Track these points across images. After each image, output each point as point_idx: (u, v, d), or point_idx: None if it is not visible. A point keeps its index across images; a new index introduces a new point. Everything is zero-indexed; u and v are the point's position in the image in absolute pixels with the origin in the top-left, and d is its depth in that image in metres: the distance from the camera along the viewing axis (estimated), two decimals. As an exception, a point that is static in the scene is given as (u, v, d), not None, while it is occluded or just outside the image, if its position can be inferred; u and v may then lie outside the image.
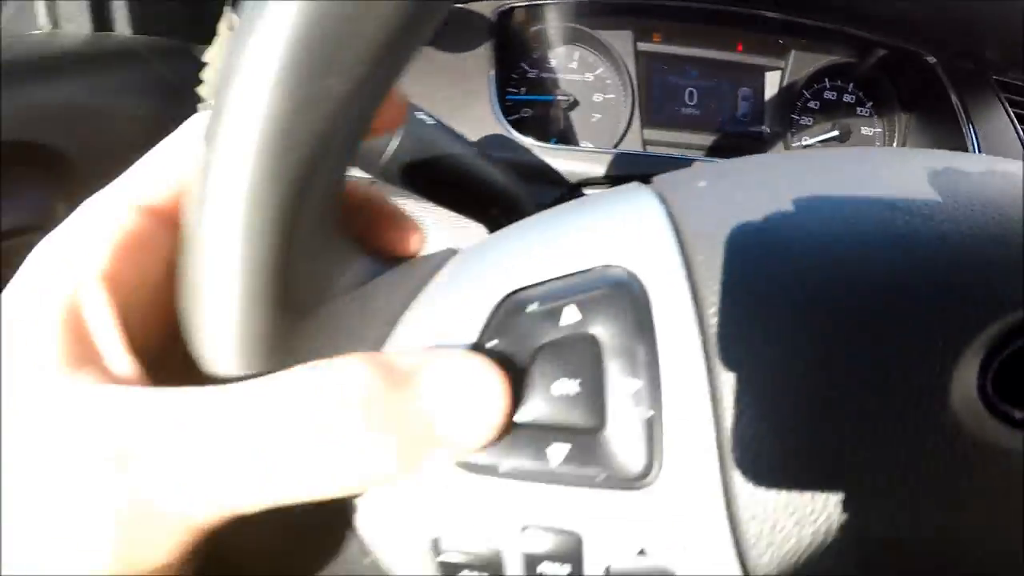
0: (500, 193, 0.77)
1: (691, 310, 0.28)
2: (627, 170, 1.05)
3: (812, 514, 0.26)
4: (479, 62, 1.14)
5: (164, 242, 0.29)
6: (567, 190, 1.06)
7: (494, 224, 0.81)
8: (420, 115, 0.68)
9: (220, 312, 0.26)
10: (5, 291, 0.27)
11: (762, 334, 0.27)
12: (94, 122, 0.73)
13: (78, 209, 0.29)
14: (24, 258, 0.27)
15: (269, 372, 0.26)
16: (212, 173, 0.25)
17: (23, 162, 0.58)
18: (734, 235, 0.30)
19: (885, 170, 0.34)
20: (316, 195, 0.27)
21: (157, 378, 0.28)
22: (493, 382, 0.26)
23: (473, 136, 1.05)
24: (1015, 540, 0.25)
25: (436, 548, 0.29)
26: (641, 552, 0.28)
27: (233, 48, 0.24)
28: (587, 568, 0.28)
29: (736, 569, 0.27)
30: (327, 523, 0.30)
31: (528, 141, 1.07)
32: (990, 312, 0.26)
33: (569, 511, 0.28)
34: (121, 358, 0.27)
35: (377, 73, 0.26)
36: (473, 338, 0.29)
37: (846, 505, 0.26)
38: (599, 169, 1.07)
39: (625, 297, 0.28)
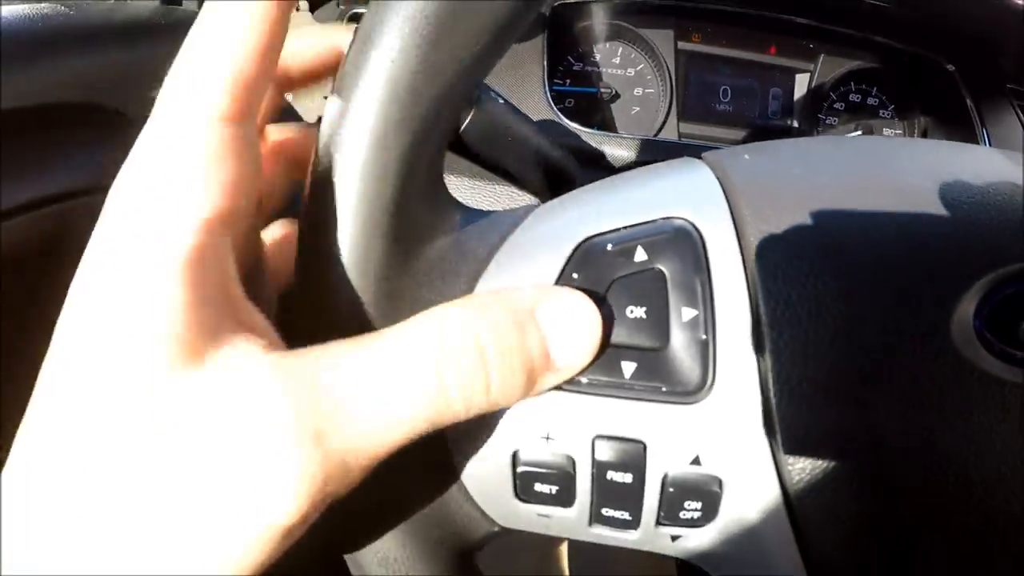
0: (558, 169, 0.86)
1: (738, 252, 0.33)
2: (666, 156, 1.14)
3: (838, 428, 0.30)
4: (533, 53, 1.23)
5: (253, 155, 0.28)
6: (611, 174, 1.15)
7: (551, 198, 0.90)
8: (491, 94, 0.77)
9: (347, 241, 0.29)
10: (95, 251, 0.24)
11: (795, 273, 0.31)
12: (155, 86, 0.81)
13: (148, 129, 0.25)
14: (86, 221, 0.25)
15: (383, 300, 0.30)
16: (349, 119, 0.28)
17: (81, 124, 0.58)
18: (771, 192, 0.35)
19: (903, 151, 0.41)
20: (431, 148, 0.31)
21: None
22: (592, 313, 0.30)
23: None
24: (1013, 456, 0.29)
25: (515, 461, 0.33)
26: (695, 461, 0.32)
27: (373, 20, 0.28)
28: (648, 475, 0.32)
29: (774, 478, 0.31)
30: (429, 463, 0.34)
31: (575, 126, 1.16)
32: (984, 263, 0.30)
33: (636, 422, 0.32)
34: (253, 315, 0.27)
35: (487, 50, 0.30)
36: (555, 274, 0.33)
37: (866, 420, 0.30)
38: (641, 155, 1.16)
39: (686, 240, 0.33)
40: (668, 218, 0.35)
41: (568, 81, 1.41)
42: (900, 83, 1.47)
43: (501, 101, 0.78)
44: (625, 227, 0.35)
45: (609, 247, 0.34)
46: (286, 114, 0.44)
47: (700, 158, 0.42)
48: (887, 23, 1.38)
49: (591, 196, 0.39)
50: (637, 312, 0.32)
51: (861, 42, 1.42)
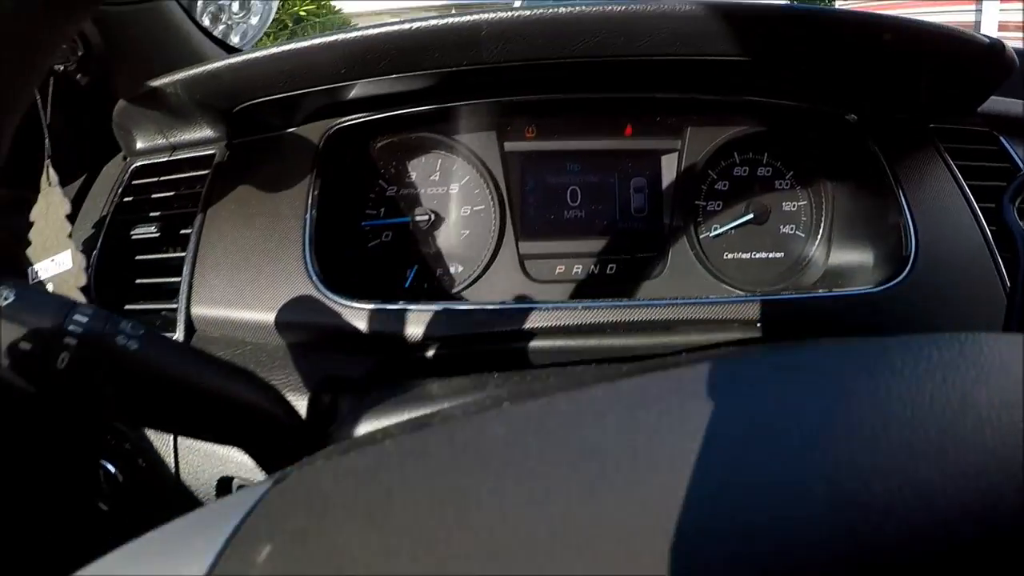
0: (249, 414, 0.63)
1: None
2: (459, 328, 0.89)
3: None
4: (294, 202, 0.98)
5: None
6: (385, 358, 0.90)
7: (258, 452, 0.67)
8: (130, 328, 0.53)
9: None
10: None
11: None
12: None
13: None
14: None
15: None
16: None
17: None
18: None
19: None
20: None
21: None
22: None
23: (282, 296, 0.91)
24: None
25: None
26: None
27: None
28: None
29: None
30: None
31: (339, 301, 0.91)
32: None
33: None
34: None
35: None
36: None
37: None
38: (432, 329, 0.90)
39: None
40: None
41: (383, 211, 1.16)
42: (793, 145, 1.18)
43: (141, 331, 0.54)
44: None
45: None
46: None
47: None
48: (766, 80, 1.09)
49: None
50: None
51: (735, 106, 1.13)
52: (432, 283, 1.16)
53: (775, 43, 0.94)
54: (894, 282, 0.95)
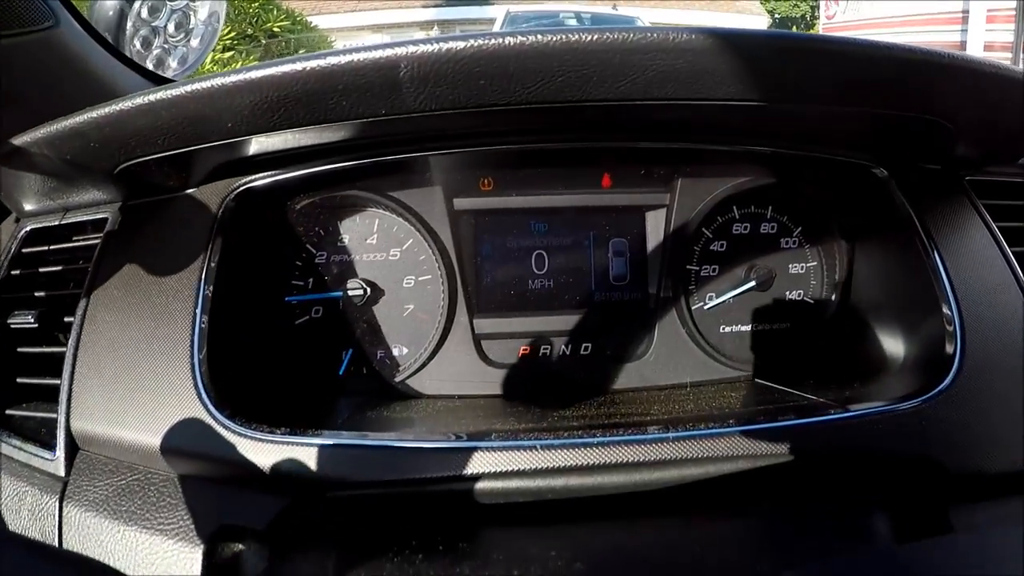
0: None
1: None
2: (384, 470, 0.70)
3: None
4: (185, 284, 0.79)
5: None
6: (296, 500, 0.71)
7: None
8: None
9: None
10: None
11: None
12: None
13: None
14: None
15: None
16: None
17: None
18: None
19: None
20: None
21: None
22: None
23: (167, 416, 0.73)
24: None
25: None
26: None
27: None
28: None
29: None
30: None
31: (233, 428, 0.71)
32: None
33: None
34: None
35: None
36: None
37: None
38: (350, 470, 0.70)
39: None
40: None
41: (311, 282, 0.96)
42: (804, 200, 0.98)
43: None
44: None
45: None
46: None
47: None
48: (778, 127, 0.88)
49: None
50: None
51: (738, 156, 0.93)
52: (371, 369, 0.96)
53: (798, 84, 0.72)
54: (937, 391, 0.75)
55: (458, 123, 0.79)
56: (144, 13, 1.16)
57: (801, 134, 0.89)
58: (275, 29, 4.71)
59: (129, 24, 1.19)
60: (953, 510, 0.74)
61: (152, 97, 0.70)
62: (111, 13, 1.11)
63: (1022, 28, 4.61)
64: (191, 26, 1.26)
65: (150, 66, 1.20)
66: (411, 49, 0.64)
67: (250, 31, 4.44)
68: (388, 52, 0.64)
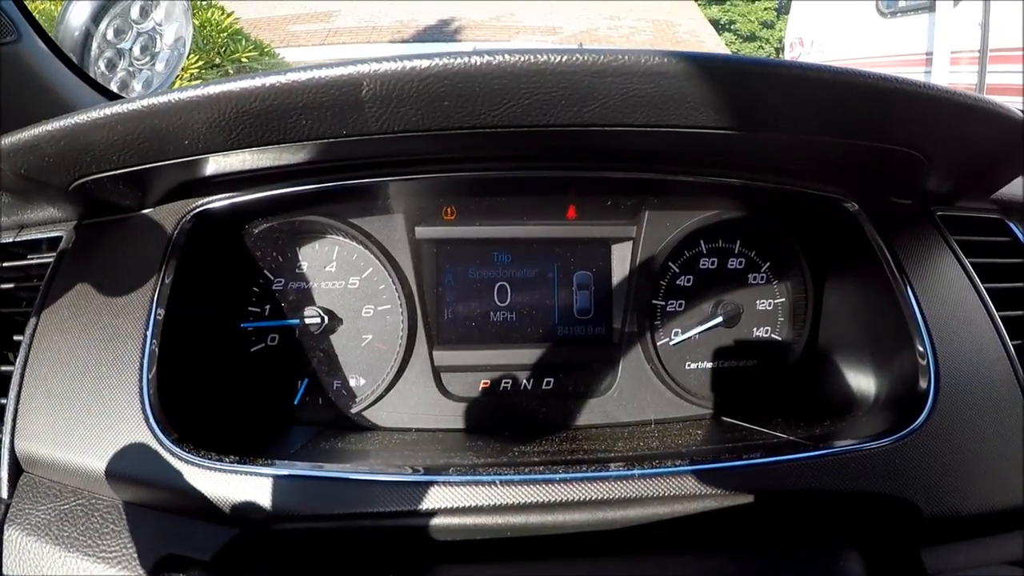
0: None
1: None
2: (335, 503, 0.66)
3: None
4: (136, 307, 0.76)
5: None
6: (244, 531, 0.67)
7: None
8: None
9: None
10: None
11: None
12: None
13: None
14: None
15: None
16: None
17: None
18: None
19: None
20: None
21: None
22: None
23: (114, 440, 0.70)
24: None
25: None
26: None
27: None
28: None
29: None
30: None
31: (180, 455, 0.68)
32: None
33: None
34: None
35: None
36: None
37: None
38: (300, 502, 0.67)
39: None
40: None
41: (267, 309, 0.93)
42: (773, 235, 0.97)
43: None
44: None
45: None
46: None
47: None
48: (750, 159, 0.87)
49: None
50: None
51: (707, 188, 0.92)
52: (327, 399, 0.93)
53: (772, 111, 0.70)
54: (910, 428, 0.73)
55: (421, 147, 0.77)
56: (110, 35, 1.15)
57: (772, 166, 0.88)
58: (243, 59, 4.71)
59: (95, 45, 1.18)
60: (927, 552, 0.72)
61: (108, 111, 0.68)
62: (76, 34, 1.10)
63: (985, 70, 4.74)
64: (157, 50, 1.25)
65: (114, 88, 1.19)
66: (374, 67, 0.62)
67: (218, 60, 4.44)
68: (350, 70, 0.63)
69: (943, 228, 0.89)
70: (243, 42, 4.85)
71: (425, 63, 0.62)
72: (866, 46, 5.55)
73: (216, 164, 0.77)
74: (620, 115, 0.67)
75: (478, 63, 0.62)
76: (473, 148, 0.80)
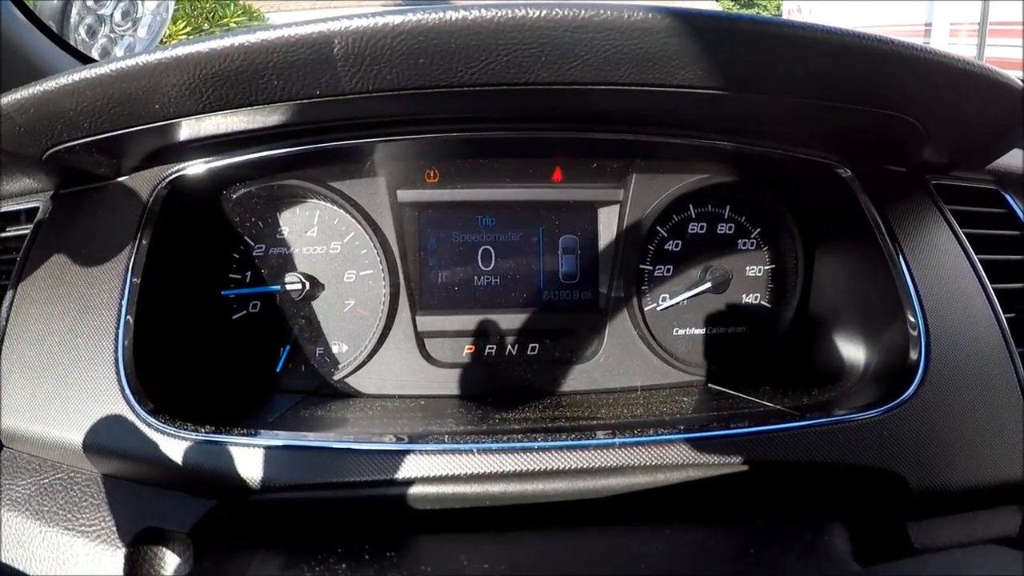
0: None
1: None
2: (313, 472, 0.65)
3: None
4: (111, 276, 0.74)
5: None
6: (222, 502, 0.66)
7: None
8: None
9: None
10: None
11: None
12: None
13: None
14: None
15: None
16: None
17: None
18: None
19: None
20: None
21: None
22: None
23: (91, 413, 0.69)
24: None
25: None
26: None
27: None
28: None
29: None
30: None
31: (156, 426, 0.68)
32: None
33: None
34: None
35: None
36: None
37: None
38: (277, 472, 0.66)
39: None
40: None
41: (248, 275, 0.92)
42: (764, 200, 0.95)
43: None
44: None
45: None
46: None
47: None
48: (742, 120, 0.85)
49: None
50: None
51: (694, 149, 0.89)
52: (309, 366, 0.92)
53: (762, 71, 0.67)
54: (899, 400, 0.72)
55: (400, 107, 0.75)
56: (90, 1, 1.12)
57: (763, 130, 0.85)
58: (232, 24, 4.59)
59: (74, 12, 1.15)
60: (913, 526, 0.71)
61: (75, 77, 0.66)
62: (56, 0, 1.07)
63: (985, 43, 4.64)
64: (139, 15, 1.22)
65: (95, 56, 1.16)
66: (345, 24, 0.60)
67: (206, 26, 4.35)
68: (320, 27, 0.60)
69: (938, 197, 0.86)
70: (231, 7, 4.74)
71: (398, 19, 0.60)
72: (864, 15, 5.42)
73: (189, 128, 0.75)
74: (604, 73, 0.65)
75: (453, 18, 0.60)
76: (454, 108, 0.78)
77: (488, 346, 0.94)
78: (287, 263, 0.92)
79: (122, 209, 0.79)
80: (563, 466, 0.66)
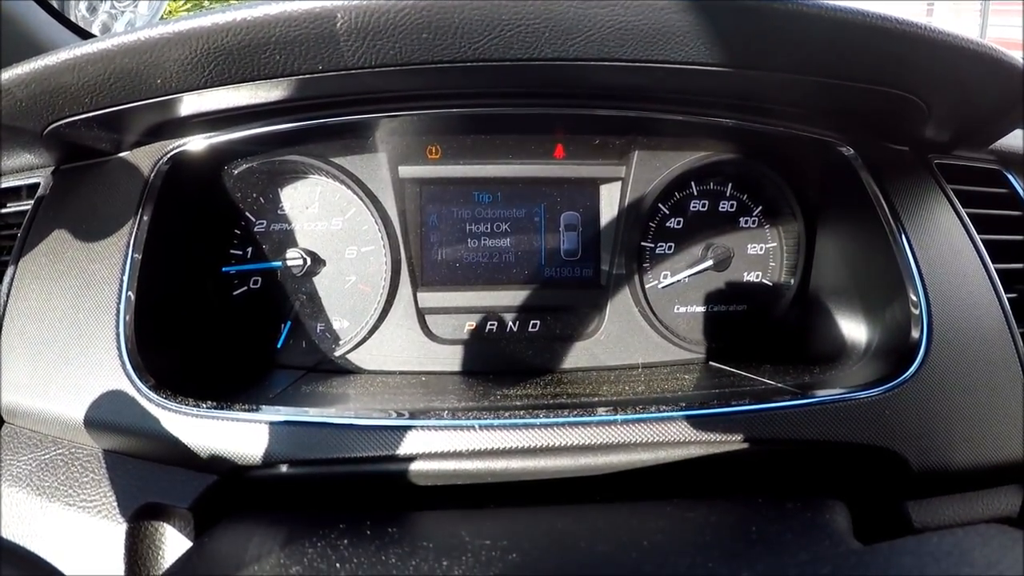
0: None
1: None
2: (315, 448, 0.66)
3: None
4: (112, 251, 0.74)
5: None
6: (223, 478, 0.67)
7: None
8: None
9: None
10: None
11: None
12: None
13: None
14: None
15: None
16: None
17: None
18: None
19: None
20: None
21: None
22: None
23: (91, 389, 0.69)
24: None
25: None
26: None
27: None
28: None
29: None
30: None
31: (158, 402, 0.68)
32: None
33: None
34: None
35: None
36: None
37: None
38: (279, 447, 0.67)
39: None
40: None
41: (249, 251, 0.91)
42: (765, 178, 0.95)
43: None
44: None
45: None
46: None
47: None
48: (744, 99, 0.84)
49: None
50: None
51: (696, 126, 0.89)
52: (310, 342, 0.92)
53: (767, 48, 0.67)
54: (901, 379, 0.72)
55: (403, 83, 0.75)
56: (91, -25, 1.11)
57: (766, 107, 0.85)
58: (233, 0, 4.56)
59: (75, -12, 1.15)
60: (914, 505, 0.72)
61: (77, 52, 0.65)
62: (56, -24, 1.06)
63: (987, 21, 4.61)
64: (138, -10, 1.21)
65: (96, 32, 1.15)
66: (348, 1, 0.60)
67: (207, 3, 4.32)
68: (324, 3, 0.60)
69: (940, 176, 0.86)
70: (232, -19, 4.68)
71: None
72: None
73: (191, 103, 0.75)
74: (607, 49, 0.65)
75: None
76: (457, 84, 0.77)
77: (489, 323, 0.94)
78: (288, 239, 0.92)
79: (123, 184, 0.79)
80: (565, 442, 0.67)
